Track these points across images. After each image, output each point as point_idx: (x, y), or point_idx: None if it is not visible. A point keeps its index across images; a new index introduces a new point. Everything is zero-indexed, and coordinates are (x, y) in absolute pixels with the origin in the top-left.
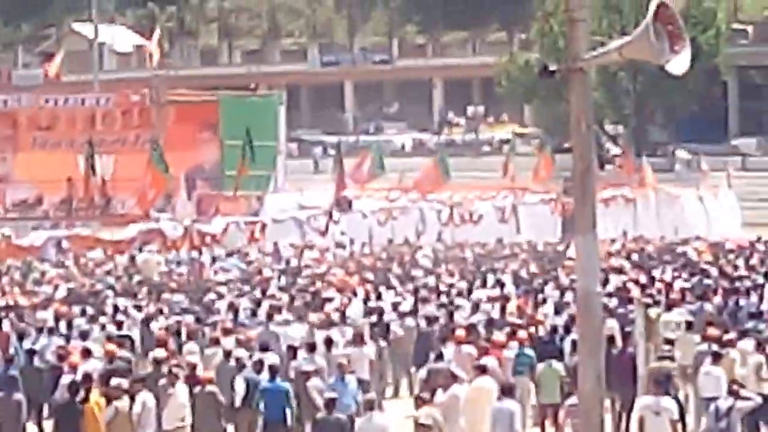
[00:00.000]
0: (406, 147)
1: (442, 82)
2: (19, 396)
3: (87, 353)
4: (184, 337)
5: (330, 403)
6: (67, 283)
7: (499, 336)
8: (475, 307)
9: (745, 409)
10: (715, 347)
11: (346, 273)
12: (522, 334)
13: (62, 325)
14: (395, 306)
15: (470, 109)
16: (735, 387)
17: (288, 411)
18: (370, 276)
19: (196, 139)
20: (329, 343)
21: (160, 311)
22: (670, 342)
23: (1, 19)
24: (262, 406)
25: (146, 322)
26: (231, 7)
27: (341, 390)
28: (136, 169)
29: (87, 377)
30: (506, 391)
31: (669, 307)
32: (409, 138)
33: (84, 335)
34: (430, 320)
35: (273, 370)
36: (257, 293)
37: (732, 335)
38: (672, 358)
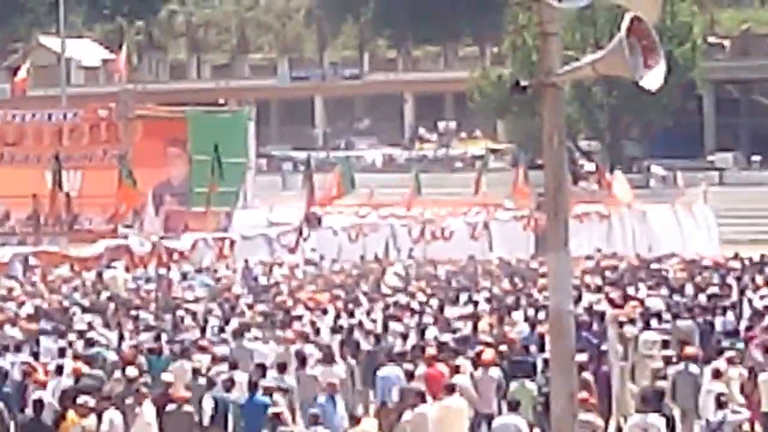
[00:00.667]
0: (376, 163)
1: (414, 96)
2: None
3: (59, 371)
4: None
5: (313, 419)
6: (34, 299)
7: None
8: (446, 325)
9: (735, 423)
10: (693, 366)
11: (316, 290)
12: (489, 353)
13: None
14: (362, 324)
15: (442, 125)
16: (724, 400)
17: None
18: (340, 293)
19: (165, 155)
20: (303, 360)
21: (129, 328)
22: (668, 360)
23: None
24: (233, 423)
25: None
26: (199, 21)
27: (331, 410)
28: (103, 185)
29: (64, 395)
30: (511, 406)
31: (644, 326)
32: (380, 154)
33: (52, 352)
34: (404, 337)
35: (252, 386)
36: (226, 310)
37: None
38: (665, 377)
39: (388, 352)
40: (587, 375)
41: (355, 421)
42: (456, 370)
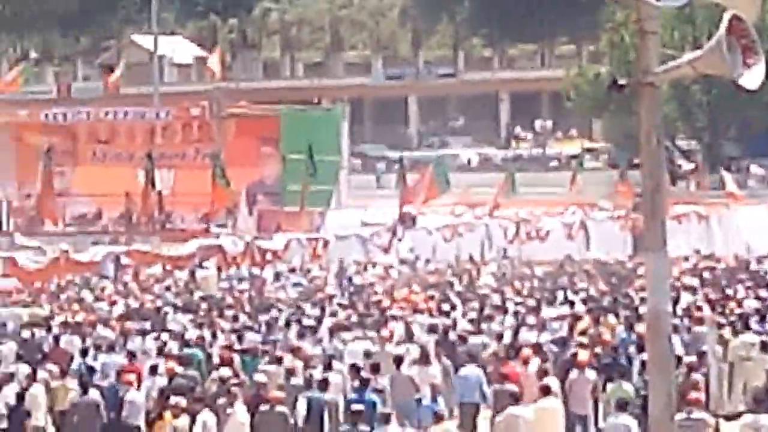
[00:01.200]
0: (471, 162)
1: (509, 95)
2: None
3: (153, 371)
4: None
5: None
6: (126, 299)
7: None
8: (542, 326)
9: None
10: None
11: (411, 290)
12: (584, 354)
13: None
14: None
15: (538, 124)
16: None
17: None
18: (434, 293)
19: (257, 154)
20: (399, 361)
21: (222, 329)
22: None
23: (60, 32)
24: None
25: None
26: (293, 19)
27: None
28: (195, 184)
29: (158, 395)
30: (620, 406)
31: (743, 327)
32: (475, 153)
33: (146, 352)
34: (499, 338)
35: (363, 381)
36: (319, 311)
37: None
38: None
39: (468, 352)
40: (697, 375)
41: (437, 418)
42: (545, 372)
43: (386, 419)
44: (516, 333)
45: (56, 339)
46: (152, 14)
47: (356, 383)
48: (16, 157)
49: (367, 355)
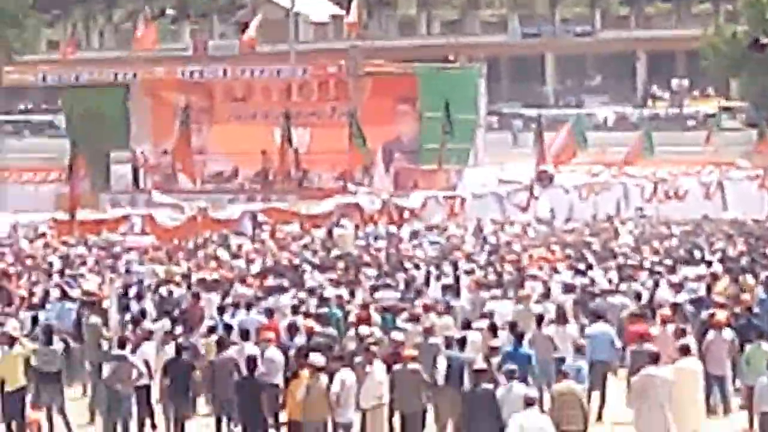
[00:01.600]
0: (608, 121)
1: (646, 54)
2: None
3: (291, 329)
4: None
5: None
6: (263, 257)
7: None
8: (680, 286)
9: None
10: None
11: (548, 249)
12: (722, 314)
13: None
14: (594, 283)
15: (675, 83)
16: None
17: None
18: (571, 252)
19: (394, 112)
20: (540, 320)
21: (360, 287)
22: None
23: None
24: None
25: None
26: None
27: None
28: (332, 142)
29: (297, 353)
30: None
31: None
32: (612, 112)
33: (283, 310)
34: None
35: (519, 335)
36: (456, 269)
37: None
38: None
39: (598, 311)
40: None
41: (561, 375)
42: (683, 332)
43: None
44: (653, 293)
45: (195, 296)
46: None
47: (511, 338)
48: (152, 114)
49: (506, 314)
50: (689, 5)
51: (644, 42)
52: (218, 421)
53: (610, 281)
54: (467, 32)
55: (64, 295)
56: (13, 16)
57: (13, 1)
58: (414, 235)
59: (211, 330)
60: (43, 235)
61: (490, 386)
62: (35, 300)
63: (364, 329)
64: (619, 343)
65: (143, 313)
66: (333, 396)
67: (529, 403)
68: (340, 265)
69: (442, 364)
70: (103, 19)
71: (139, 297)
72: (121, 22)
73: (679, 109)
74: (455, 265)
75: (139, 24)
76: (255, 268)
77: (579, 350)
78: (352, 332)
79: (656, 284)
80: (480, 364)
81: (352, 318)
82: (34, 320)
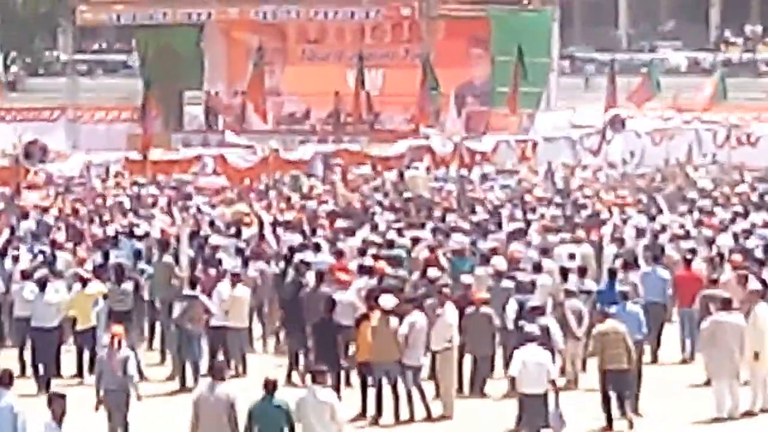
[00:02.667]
0: (681, 66)
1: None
2: None
3: (362, 270)
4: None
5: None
6: (335, 198)
7: None
8: (749, 232)
9: None
10: None
11: (619, 194)
12: None
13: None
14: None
15: (748, 28)
16: None
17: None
18: (643, 197)
19: (467, 55)
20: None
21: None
22: None
23: None
24: None
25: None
26: None
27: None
28: (404, 84)
29: (370, 294)
30: None
31: None
32: (684, 57)
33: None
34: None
35: (612, 274)
36: (527, 212)
37: None
38: None
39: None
40: None
41: (602, 316)
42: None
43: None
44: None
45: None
46: None
47: (606, 277)
48: (226, 55)
49: (573, 256)
50: None
51: None
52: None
53: (681, 226)
54: None
55: (135, 235)
56: None
57: None
58: (485, 178)
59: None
60: (116, 174)
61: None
62: (106, 239)
63: (433, 272)
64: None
65: (213, 256)
66: (401, 338)
67: (529, 339)
68: (411, 207)
69: (512, 308)
70: None
71: (207, 238)
72: None
73: (753, 54)
74: (525, 209)
75: None
76: (324, 209)
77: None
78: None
79: (725, 229)
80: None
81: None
82: (106, 258)
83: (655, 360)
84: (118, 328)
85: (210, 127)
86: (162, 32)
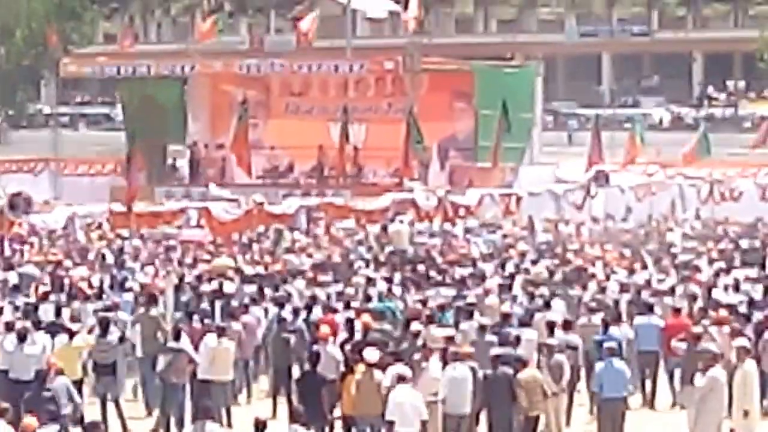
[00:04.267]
0: (664, 121)
1: (703, 55)
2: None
3: (348, 324)
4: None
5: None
6: (318, 251)
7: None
8: (736, 287)
9: None
10: None
11: (603, 249)
12: None
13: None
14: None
15: (731, 84)
16: None
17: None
18: (627, 252)
19: (451, 109)
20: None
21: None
22: None
23: None
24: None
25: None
26: None
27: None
28: (388, 138)
29: (354, 348)
30: None
31: None
32: (668, 112)
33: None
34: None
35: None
36: (510, 267)
37: None
38: None
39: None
40: None
41: (521, 365)
42: (739, 333)
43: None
44: (709, 293)
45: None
46: None
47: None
48: (210, 107)
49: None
50: (746, 7)
51: (701, 43)
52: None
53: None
54: (524, 30)
55: (120, 287)
56: (71, 8)
57: None
58: (469, 232)
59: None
60: (100, 226)
61: (509, 371)
62: (92, 291)
63: (417, 325)
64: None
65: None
66: (385, 391)
67: (401, 378)
68: (395, 261)
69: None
70: (161, 12)
71: (194, 290)
72: (179, 15)
73: (735, 110)
74: (515, 264)
75: (197, 17)
76: (307, 262)
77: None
78: (406, 328)
79: (712, 285)
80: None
81: (406, 314)
82: (93, 312)
83: (652, 406)
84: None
85: (193, 180)
86: (145, 84)
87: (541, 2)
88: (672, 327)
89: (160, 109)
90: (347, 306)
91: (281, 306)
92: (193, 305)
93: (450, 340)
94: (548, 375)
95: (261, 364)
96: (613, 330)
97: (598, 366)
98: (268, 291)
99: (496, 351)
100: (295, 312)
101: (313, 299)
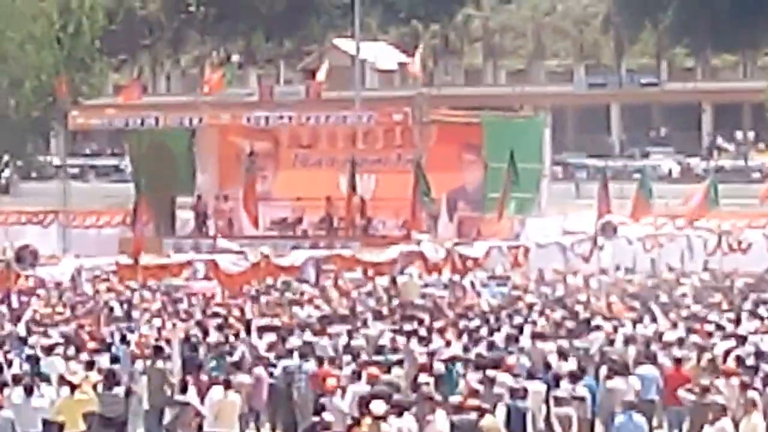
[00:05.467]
0: (673, 172)
1: (712, 106)
2: None
3: (355, 376)
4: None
5: None
6: (326, 304)
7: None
8: (743, 339)
9: None
10: None
11: (611, 300)
12: None
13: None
14: (660, 335)
15: (740, 135)
16: None
17: None
18: (635, 303)
19: (459, 160)
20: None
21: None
22: None
23: (264, 35)
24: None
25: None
26: (496, 26)
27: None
28: (396, 189)
29: (361, 400)
30: None
31: None
32: (677, 163)
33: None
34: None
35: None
36: (519, 319)
37: None
38: None
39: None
40: None
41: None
42: (747, 386)
43: None
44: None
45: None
46: (355, 19)
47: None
48: (218, 159)
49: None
50: (755, 58)
51: (710, 94)
52: None
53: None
54: (533, 82)
55: (126, 340)
56: (80, 59)
57: (81, 44)
58: (477, 284)
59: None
60: (107, 279)
61: (473, 417)
62: (98, 345)
63: (423, 377)
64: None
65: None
66: None
67: None
68: (403, 313)
69: (501, 413)
70: (170, 64)
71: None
72: (188, 67)
73: (744, 161)
74: (523, 316)
75: (206, 69)
76: (315, 314)
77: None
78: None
79: (720, 337)
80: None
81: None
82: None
83: None
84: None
85: (202, 232)
86: (154, 136)
87: (550, 53)
88: (673, 377)
89: (169, 160)
90: (354, 358)
91: (288, 358)
92: (199, 357)
93: (475, 393)
94: (558, 427)
95: (268, 416)
96: (618, 382)
97: (618, 420)
98: (276, 343)
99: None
100: (302, 364)
101: (319, 351)
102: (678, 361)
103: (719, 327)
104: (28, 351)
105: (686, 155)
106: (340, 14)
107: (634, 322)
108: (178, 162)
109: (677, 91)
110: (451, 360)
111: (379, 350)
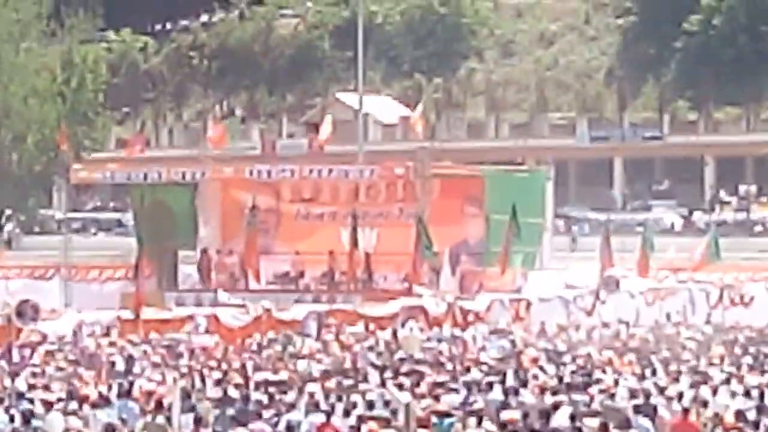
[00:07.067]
0: (675, 226)
1: (714, 159)
2: None
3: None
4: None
5: None
6: (327, 357)
7: None
8: (746, 393)
9: None
10: None
11: (613, 354)
12: None
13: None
14: (662, 389)
15: (742, 188)
16: None
17: None
18: (636, 358)
19: (462, 214)
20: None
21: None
22: None
23: (266, 89)
24: None
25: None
26: (499, 80)
27: None
28: (398, 244)
29: None
30: None
31: None
32: (679, 216)
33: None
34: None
35: None
36: (521, 373)
37: None
38: None
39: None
40: None
41: None
42: None
43: None
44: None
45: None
46: (358, 73)
47: None
48: (220, 212)
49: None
50: (758, 111)
51: (712, 147)
52: None
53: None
54: (535, 135)
55: (128, 394)
56: (82, 113)
57: (84, 98)
58: (478, 338)
59: None
60: (108, 333)
61: None
62: (99, 398)
63: None
64: None
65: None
66: None
67: None
68: (404, 367)
69: None
70: (173, 118)
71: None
72: (191, 121)
73: (747, 214)
74: (525, 370)
75: (208, 123)
76: (318, 368)
77: None
78: None
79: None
80: None
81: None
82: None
83: None
84: None
85: (204, 286)
86: (156, 190)
87: (553, 106)
88: (680, 427)
89: (171, 214)
90: (353, 411)
91: (289, 412)
92: (200, 412)
93: None
94: None
95: None
96: None
97: None
98: (276, 397)
99: None
100: (306, 418)
101: (318, 405)
102: (686, 412)
103: (722, 380)
104: (25, 406)
105: (689, 208)
106: (343, 68)
107: (636, 376)
108: (178, 219)
109: (680, 144)
110: (449, 414)
111: (380, 404)
